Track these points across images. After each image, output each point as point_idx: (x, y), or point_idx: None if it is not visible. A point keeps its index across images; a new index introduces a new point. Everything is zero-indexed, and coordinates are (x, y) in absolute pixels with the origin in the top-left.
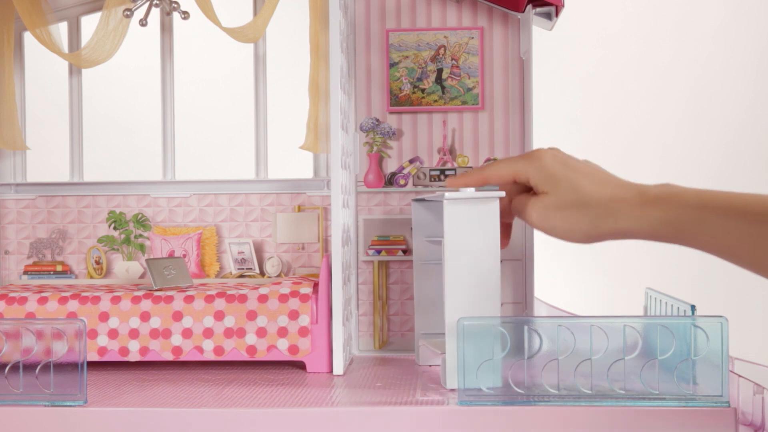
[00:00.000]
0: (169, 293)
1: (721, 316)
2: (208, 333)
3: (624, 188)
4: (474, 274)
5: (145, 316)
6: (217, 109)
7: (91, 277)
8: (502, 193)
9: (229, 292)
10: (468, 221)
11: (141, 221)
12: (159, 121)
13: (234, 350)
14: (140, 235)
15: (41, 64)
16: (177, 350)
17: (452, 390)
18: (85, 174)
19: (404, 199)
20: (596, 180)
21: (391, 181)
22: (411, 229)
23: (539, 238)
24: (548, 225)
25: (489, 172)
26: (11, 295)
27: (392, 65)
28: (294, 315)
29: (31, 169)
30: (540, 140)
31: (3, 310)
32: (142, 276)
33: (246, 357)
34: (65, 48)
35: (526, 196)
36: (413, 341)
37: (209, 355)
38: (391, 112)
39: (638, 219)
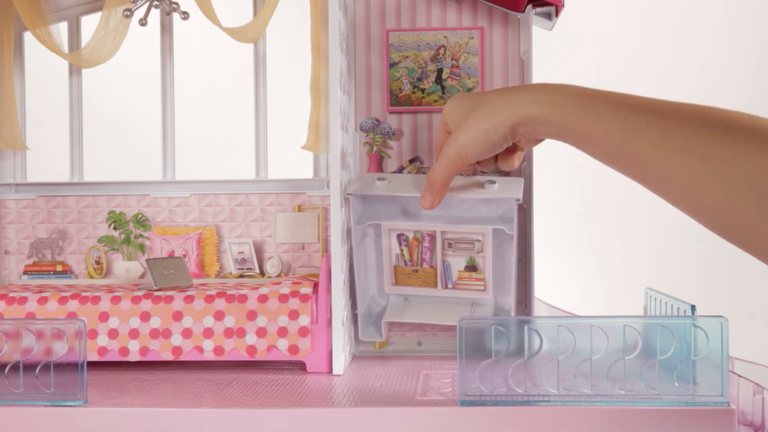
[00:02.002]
0: (169, 293)
1: (721, 316)
2: (208, 333)
3: (513, 87)
4: None
5: (145, 316)
6: (217, 109)
7: (91, 277)
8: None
9: (229, 292)
10: None
11: (141, 221)
12: (159, 121)
13: (234, 350)
14: (140, 235)
15: (41, 64)
16: (177, 350)
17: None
18: (85, 174)
19: None
20: (486, 92)
21: None
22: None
23: (539, 238)
24: (456, 145)
25: (439, 173)
26: (11, 295)
27: (392, 65)
28: (294, 315)
29: (31, 169)
30: None
31: (3, 310)
32: (142, 276)
33: (246, 357)
34: (65, 48)
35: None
36: (413, 341)
37: (209, 355)
38: (391, 112)
39: (525, 104)
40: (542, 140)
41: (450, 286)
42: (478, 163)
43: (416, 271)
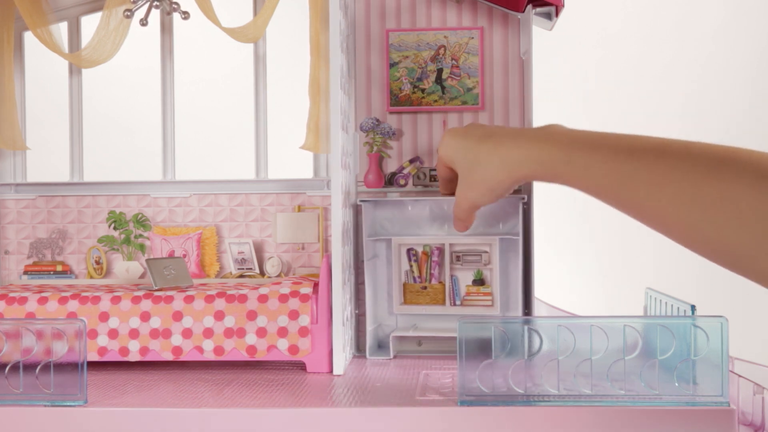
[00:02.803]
0: (169, 293)
1: (720, 316)
2: (208, 333)
3: (505, 135)
4: None
5: (145, 316)
6: (217, 109)
7: (91, 277)
8: None
9: (229, 292)
10: None
11: (141, 221)
12: (159, 121)
13: (234, 350)
14: (140, 235)
15: (41, 64)
16: (177, 350)
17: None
18: (85, 174)
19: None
20: (480, 137)
21: (391, 181)
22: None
23: (539, 238)
24: (468, 200)
25: (462, 215)
26: (11, 295)
27: (392, 65)
28: (294, 315)
29: (31, 169)
30: None
31: (3, 310)
32: (142, 276)
33: (246, 357)
34: (66, 48)
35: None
36: (413, 341)
37: (209, 355)
38: (391, 112)
39: (521, 164)
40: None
41: (458, 302)
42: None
43: (425, 288)
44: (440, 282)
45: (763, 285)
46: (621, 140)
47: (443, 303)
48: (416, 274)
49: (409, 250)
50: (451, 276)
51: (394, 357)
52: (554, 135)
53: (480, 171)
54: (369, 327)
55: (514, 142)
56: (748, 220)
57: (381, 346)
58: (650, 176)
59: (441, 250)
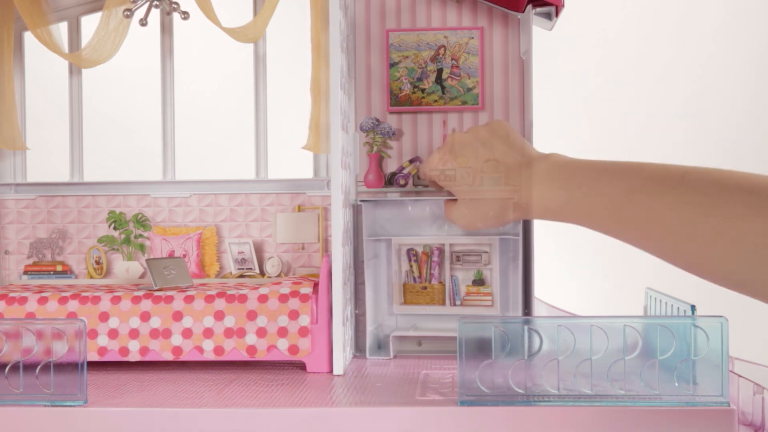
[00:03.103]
0: (169, 293)
1: (721, 316)
2: (208, 333)
3: (513, 167)
4: None
5: (145, 316)
6: (217, 109)
7: (91, 277)
8: None
9: (229, 292)
10: None
11: (141, 221)
12: (159, 121)
13: (234, 350)
14: (140, 235)
15: (41, 64)
16: (177, 350)
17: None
18: (85, 174)
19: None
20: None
21: (391, 181)
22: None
23: (539, 238)
24: (468, 223)
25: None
26: (11, 295)
27: (392, 65)
28: (294, 315)
29: (31, 169)
30: (540, 140)
31: (3, 310)
32: (142, 276)
33: (246, 357)
34: (66, 48)
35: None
36: (413, 341)
37: (209, 355)
38: (391, 112)
39: (539, 199)
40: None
41: (458, 302)
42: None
43: (425, 288)
44: (440, 282)
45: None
46: (624, 177)
47: (443, 303)
48: (416, 274)
49: (409, 251)
50: (451, 276)
51: (394, 357)
52: (557, 174)
53: (481, 202)
54: (369, 327)
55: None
56: (745, 251)
57: (381, 346)
58: (649, 216)
59: (441, 251)
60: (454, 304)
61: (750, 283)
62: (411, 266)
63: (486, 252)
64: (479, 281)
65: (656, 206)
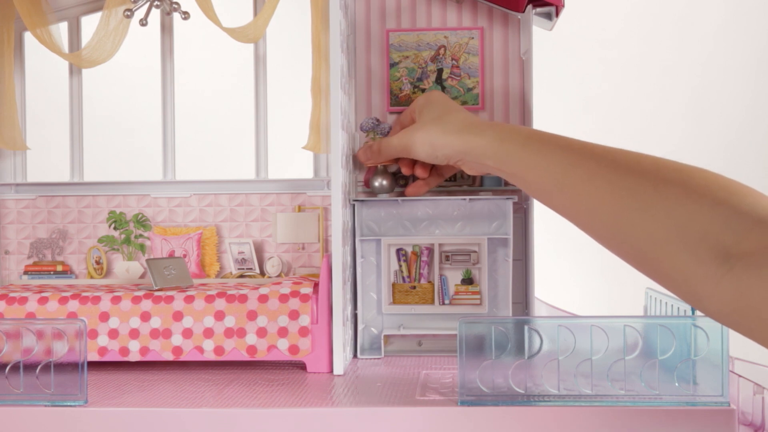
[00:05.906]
0: (169, 293)
1: None
2: (208, 333)
3: (472, 117)
4: None
5: (145, 316)
6: (217, 109)
7: (92, 277)
8: None
9: (229, 292)
10: None
11: (141, 221)
12: (159, 121)
13: (234, 350)
14: (140, 235)
15: (41, 64)
16: (177, 350)
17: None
18: (85, 174)
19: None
20: (457, 108)
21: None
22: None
23: (539, 237)
24: (410, 139)
25: (385, 148)
26: (11, 295)
27: (392, 65)
28: (294, 315)
29: (31, 169)
30: None
31: (3, 310)
32: (143, 276)
33: (246, 357)
34: (65, 48)
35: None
36: (413, 341)
37: (209, 355)
38: (392, 112)
39: (476, 136)
40: (486, 172)
41: (447, 301)
42: (396, 162)
43: (414, 287)
44: (429, 282)
45: (664, 286)
46: (570, 141)
47: (432, 302)
48: (405, 274)
49: (398, 250)
50: (440, 275)
51: (385, 357)
52: (516, 127)
53: (438, 126)
54: (360, 327)
55: (480, 125)
56: (654, 225)
57: (372, 346)
58: (581, 177)
59: (431, 250)
60: (443, 303)
61: (654, 261)
62: (400, 266)
63: (475, 252)
64: (468, 280)
65: (588, 175)
